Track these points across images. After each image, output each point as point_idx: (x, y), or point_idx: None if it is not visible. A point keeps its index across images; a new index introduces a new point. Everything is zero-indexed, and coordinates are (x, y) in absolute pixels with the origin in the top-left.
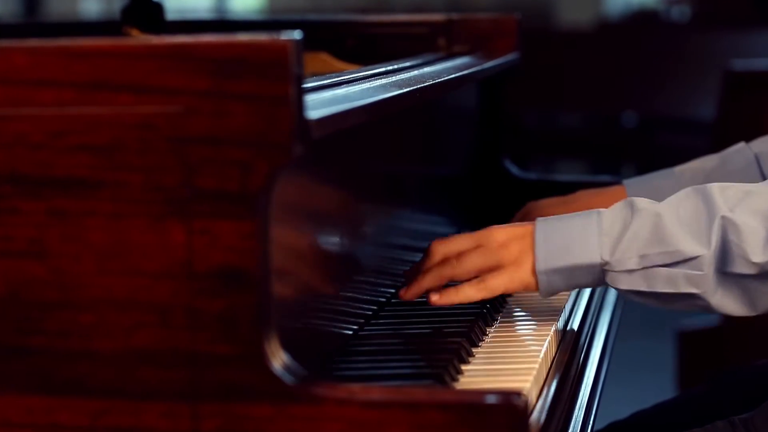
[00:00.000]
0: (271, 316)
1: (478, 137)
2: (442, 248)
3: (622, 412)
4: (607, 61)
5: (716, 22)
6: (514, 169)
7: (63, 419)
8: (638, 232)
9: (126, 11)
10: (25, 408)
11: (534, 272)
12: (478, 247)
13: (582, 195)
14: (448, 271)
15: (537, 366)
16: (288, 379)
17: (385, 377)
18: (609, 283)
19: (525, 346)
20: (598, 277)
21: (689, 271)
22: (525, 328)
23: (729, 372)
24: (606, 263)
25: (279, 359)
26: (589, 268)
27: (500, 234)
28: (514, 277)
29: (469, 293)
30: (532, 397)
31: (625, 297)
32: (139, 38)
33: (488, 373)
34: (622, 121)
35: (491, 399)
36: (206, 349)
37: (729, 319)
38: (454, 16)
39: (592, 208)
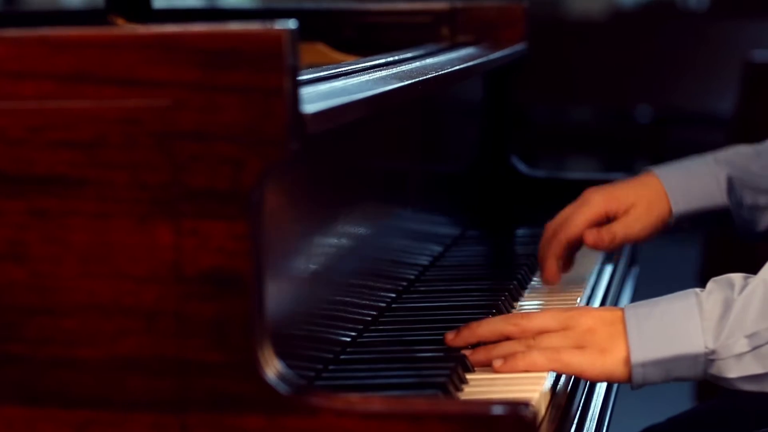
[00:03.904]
0: (264, 322)
1: (484, 133)
2: (522, 322)
3: (636, 425)
4: (621, 53)
5: (735, 11)
6: (522, 167)
7: (45, 431)
8: (743, 310)
9: None
10: (5, 420)
11: (627, 363)
12: (562, 329)
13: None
14: (521, 350)
15: (546, 375)
16: (282, 388)
17: (385, 387)
18: (715, 373)
19: None
20: (701, 369)
21: None
22: None
23: None
24: (711, 351)
25: (273, 368)
26: (691, 358)
27: (588, 319)
28: (596, 362)
29: (537, 361)
30: (541, 408)
31: (733, 387)
32: (125, 28)
33: (494, 383)
34: (636, 115)
35: (498, 410)
36: (196, 356)
37: None
38: (458, 4)
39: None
